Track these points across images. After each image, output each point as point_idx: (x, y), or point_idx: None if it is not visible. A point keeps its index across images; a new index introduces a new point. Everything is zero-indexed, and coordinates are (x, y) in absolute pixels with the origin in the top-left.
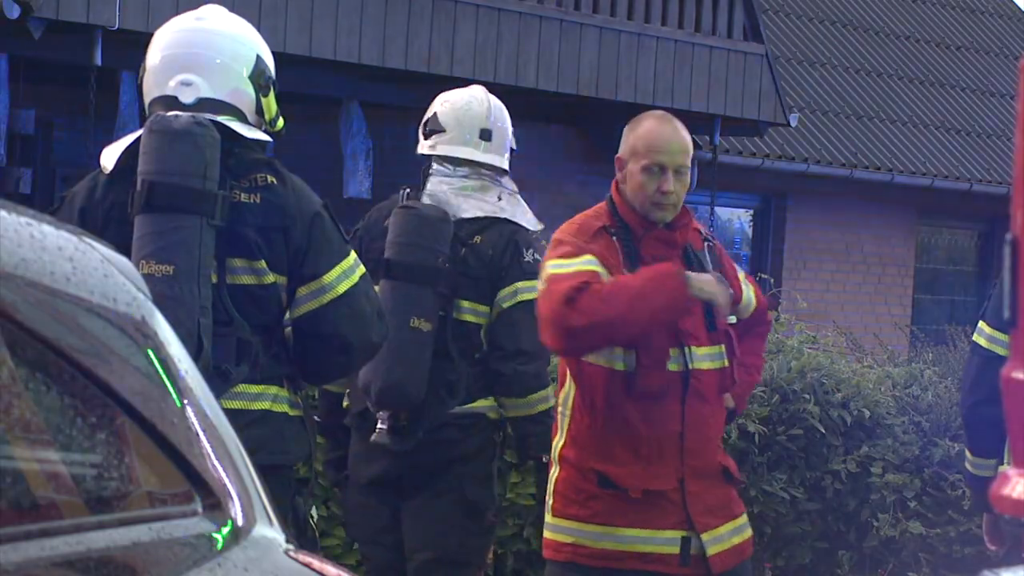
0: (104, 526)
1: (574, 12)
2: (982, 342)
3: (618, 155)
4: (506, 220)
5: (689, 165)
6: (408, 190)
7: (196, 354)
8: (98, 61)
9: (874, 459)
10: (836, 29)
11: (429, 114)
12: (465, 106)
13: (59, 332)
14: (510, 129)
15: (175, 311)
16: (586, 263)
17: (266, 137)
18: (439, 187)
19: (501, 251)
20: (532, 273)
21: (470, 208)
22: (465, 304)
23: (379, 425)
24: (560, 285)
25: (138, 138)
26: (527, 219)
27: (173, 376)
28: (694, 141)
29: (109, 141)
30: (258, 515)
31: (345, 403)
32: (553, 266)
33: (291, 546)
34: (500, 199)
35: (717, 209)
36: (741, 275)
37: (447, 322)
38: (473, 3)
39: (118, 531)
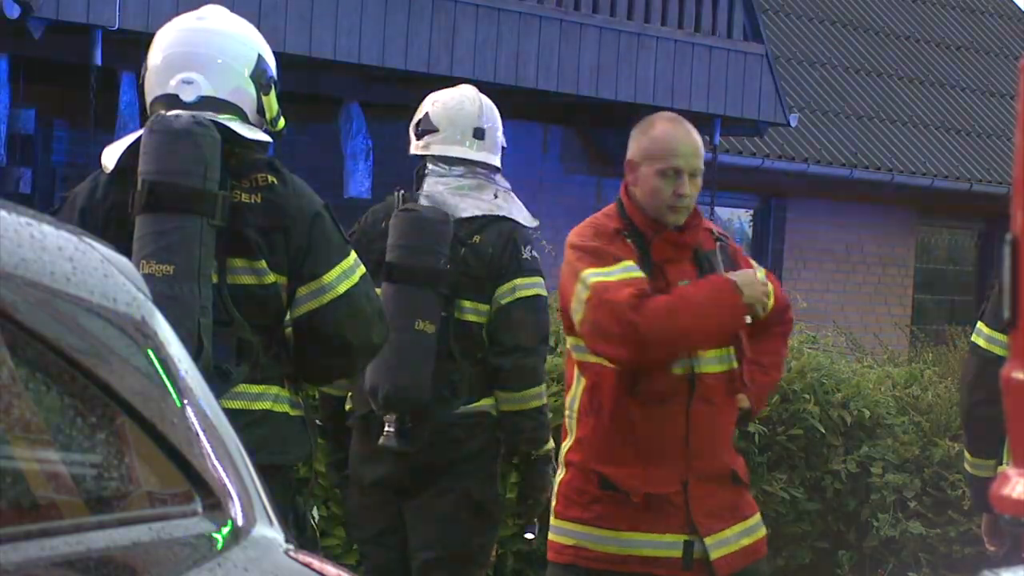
0: (104, 526)
1: (574, 12)
2: (981, 343)
3: (628, 158)
4: (504, 218)
5: (703, 168)
6: (402, 191)
7: (196, 354)
8: (98, 61)
9: (874, 459)
10: (836, 29)
11: (420, 114)
12: (457, 105)
13: (59, 332)
14: (501, 127)
15: (175, 311)
16: (629, 269)
17: (267, 137)
18: (435, 187)
19: (500, 249)
20: (530, 270)
21: (468, 207)
22: (466, 304)
23: (387, 428)
24: (616, 295)
25: (139, 138)
26: (523, 216)
27: (173, 376)
28: None
29: (109, 141)
30: (258, 515)
31: (348, 406)
32: (594, 275)
33: (291, 546)
34: (496, 197)
35: (717, 209)
36: (760, 274)
37: (449, 322)
38: (473, 3)
39: (118, 531)
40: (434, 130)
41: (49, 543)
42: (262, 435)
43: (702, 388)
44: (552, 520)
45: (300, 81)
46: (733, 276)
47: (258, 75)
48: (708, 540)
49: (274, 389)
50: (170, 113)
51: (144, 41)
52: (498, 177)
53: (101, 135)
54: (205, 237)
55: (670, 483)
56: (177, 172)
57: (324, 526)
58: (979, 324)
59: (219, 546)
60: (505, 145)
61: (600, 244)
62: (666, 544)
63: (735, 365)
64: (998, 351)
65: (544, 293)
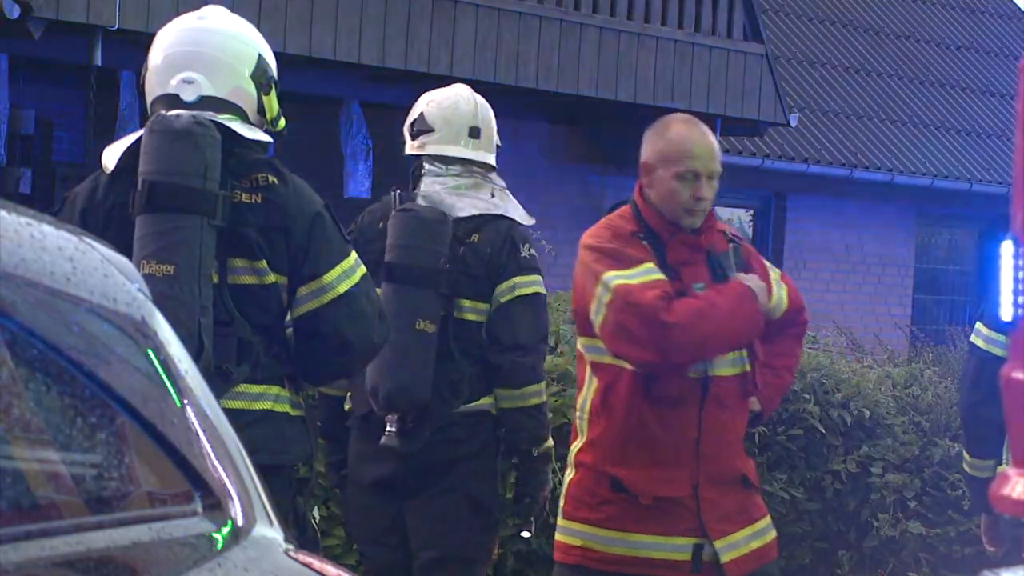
0: (104, 526)
1: (574, 12)
2: (980, 343)
3: (643, 160)
4: (501, 216)
5: (720, 170)
6: (398, 191)
7: (197, 354)
8: (98, 61)
9: (874, 459)
10: (836, 29)
11: (415, 114)
12: (452, 105)
13: (59, 332)
14: (495, 125)
15: (176, 311)
16: (650, 272)
17: (267, 137)
18: (433, 187)
19: (499, 248)
20: (529, 268)
21: (465, 206)
22: (466, 303)
23: (388, 428)
24: (642, 297)
25: (139, 138)
26: (520, 214)
27: (173, 376)
28: None
29: (109, 141)
30: (258, 515)
31: (347, 406)
32: (616, 277)
33: (291, 546)
34: (493, 195)
35: (717, 209)
36: (775, 275)
37: (448, 322)
38: (473, 3)
39: (118, 531)
40: (429, 130)
41: (49, 543)
42: (262, 435)
43: (715, 391)
44: (560, 520)
45: (300, 81)
46: (746, 282)
47: (259, 75)
48: (718, 543)
49: (275, 389)
50: (170, 113)
51: (144, 41)
52: (494, 176)
53: (101, 135)
54: (205, 237)
55: (682, 486)
56: (177, 172)
57: (324, 526)
58: (978, 324)
59: (219, 546)
60: (500, 143)
61: (618, 246)
62: (675, 547)
63: (748, 368)
64: (997, 351)
65: (543, 291)
